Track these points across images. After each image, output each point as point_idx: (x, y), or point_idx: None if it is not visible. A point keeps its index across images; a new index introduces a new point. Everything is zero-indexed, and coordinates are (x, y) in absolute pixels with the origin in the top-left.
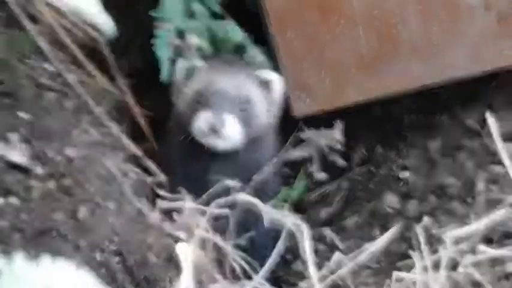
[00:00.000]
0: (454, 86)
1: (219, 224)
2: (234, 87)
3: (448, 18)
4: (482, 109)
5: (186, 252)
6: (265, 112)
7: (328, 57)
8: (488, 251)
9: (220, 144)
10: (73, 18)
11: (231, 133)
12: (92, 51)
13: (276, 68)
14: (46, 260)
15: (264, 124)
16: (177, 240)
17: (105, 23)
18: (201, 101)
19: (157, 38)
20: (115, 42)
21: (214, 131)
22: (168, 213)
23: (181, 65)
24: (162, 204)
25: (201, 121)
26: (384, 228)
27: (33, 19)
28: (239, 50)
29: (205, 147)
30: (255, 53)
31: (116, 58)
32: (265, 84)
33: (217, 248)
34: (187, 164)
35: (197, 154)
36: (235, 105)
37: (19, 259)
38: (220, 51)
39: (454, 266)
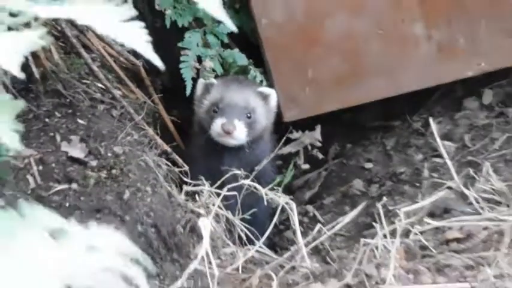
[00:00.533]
0: (405, 97)
1: (229, 203)
2: (241, 100)
3: (401, 46)
4: (426, 115)
5: (206, 225)
6: (265, 118)
7: (310, 76)
8: (432, 223)
9: (231, 142)
10: (117, 48)
11: (239, 134)
12: (132, 73)
13: (270, 84)
14: (93, 225)
15: (263, 127)
16: (198, 215)
17: (155, 60)
18: (216, 110)
19: (182, 62)
20: (151, 66)
21: (227, 133)
22: (191, 195)
23: (200, 82)
24: (186, 188)
25: (218, 125)
26: (353, 206)
27: (87, 48)
28: (243, 71)
29: (220, 145)
30: (256, 73)
31: (151, 78)
32: (264, 97)
33: (228, 221)
34: (206, 158)
35: (213, 151)
36: (243, 113)
37: (72, 223)
38: (228, 72)
39: (406, 234)
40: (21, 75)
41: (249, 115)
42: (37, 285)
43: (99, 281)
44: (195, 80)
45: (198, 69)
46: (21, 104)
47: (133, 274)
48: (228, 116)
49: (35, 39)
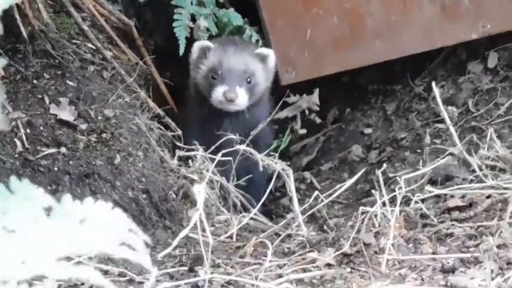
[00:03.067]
0: (407, 60)
1: (224, 169)
2: (241, 64)
3: (403, 9)
4: (428, 79)
5: (200, 191)
6: (264, 80)
7: (309, 39)
8: (433, 191)
9: (233, 108)
10: (108, 7)
11: (241, 101)
12: (124, 33)
13: (266, 45)
14: (88, 200)
15: (263, 89)
16: (191, 181)
17: None
18: (215, 77)
19: (176, 21)
20: (143, 25)
21: (230, 100)
22: (184, 160)
23: (196, 46)
24: (179, 153)
25: (219, 93)
26: (352, 172)
27: (77, 7)
28: (238, 31)
29: (220, 110)
30: (251, 32)
31: (143, 39)
32: (262, 58)
33: (223, 188)
34: (203, 123)
35: (211, 116)
36: (243, 78)
37: (67, 198)
38: (223, 32)
39: (406, 202)
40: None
41: (249, 80)
42: (35, 259)
43: (99, 249)
44: (188, 40)
45: (191, 29)
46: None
47: (132, 241)
48: (229, 82)
49: None
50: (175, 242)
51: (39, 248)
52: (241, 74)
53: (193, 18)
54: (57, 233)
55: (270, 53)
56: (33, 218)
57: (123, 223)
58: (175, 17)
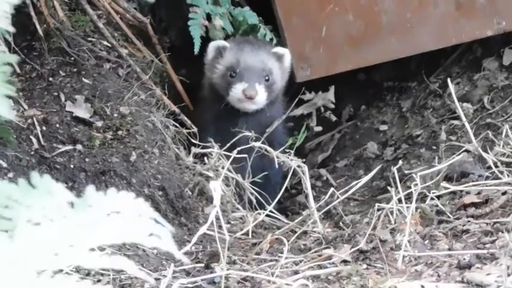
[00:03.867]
0: (422, 57)
1: (240, 166)
2: (259, 62)
3: (418, 6)
4: (444, 76)
5: (216, 188)
6: (280, 79)
7: (324, 36)
8: (449, 187)
9: (252, 107)
10: (123, 4)
11: (260, 99)
12: (139, 30)
13: (281, 43)
14: (112, 191)
15: (280, 88)
16: (207, 178)
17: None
18: (233, 75)
19: (191, 20)
20: (158, 23)
21: (249, 98)
22: (200, 157)
23: (212, 46)
24: (195, 150)
25: (238, 91)
26: (367, 169)
27: (93, 4)
28: (252, 29)
29: (235, 110)
30: (265, 31)
31: (159, 36)
32: (279, 57)
33: (238, 185)
34: (219, 121)
35: (228, 116)
36: (262, 76)
37: (90, 190)
38: (238, 31)
39: (422, 198)
40: (10, 28)
41: (267, 78)
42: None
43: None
44: (203, 39)
45: (207, 28)
46: (15, 59)
47: (158, 231)
48: (248, 80)
49: None
50: (194, 239)
51: (68, 239)
52: (259, 71)
53: (208, 17)
54: (84, 225)
55: (286, 52)
56: (57, 210)
57: (148, 213)
58: (190, 15)
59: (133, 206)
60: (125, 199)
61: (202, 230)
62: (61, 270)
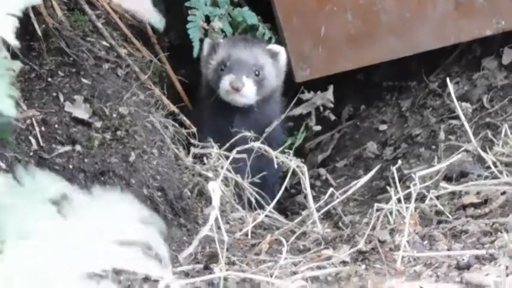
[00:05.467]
0: (422, 57)
1: (238, 166)
2: (250, 57)
3: (417, 5)
4: (443, 75)
5: (215, 188)
6: (274, 77)
7: (323, 36)
8: (448, 187)
9: (241, 100)
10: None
11: (248, 91)
12: (139, 30)
13: (280, 42)
14: (97, 189)
15: (273, 86)
16: (206, 179)
17: (156, 20)
18: (223, 68)
19: (190, 22)
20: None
21: (236, 90)
22: (199, 158)
23: (206, 42)
24: (194, 150)
25: (226, 82)
26: (367, 169)
27: (91, 4)
28: (251, 28)
29: (229, 106)
30: (264, 30)
31: (158, 36)
32: (273, 55)
33: (237, 185)
34: (215, 121)
35: (222, 113)
36: (252, 71)
37: (75, 190)
38: (237, 30)
39: (421, 198)
40: (15, 43)
41: (257, 72)
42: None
43: (112, 249)
44: (202, 41)
45: (206, 30)
46: (18, 65)
47: (150, 240)
48: (236, 72)
49: None
50: (195, 242)
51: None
52: (249, 66)
53: (207, 19)
54: (71, 228)
55: (281, 50)
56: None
57: (136, 210)
58: (189, 18)
59: (122, 203)
60: (116, 201)
61: (203, 232)
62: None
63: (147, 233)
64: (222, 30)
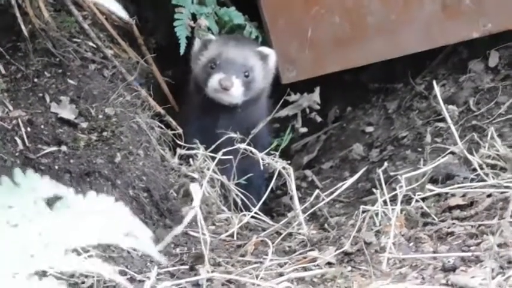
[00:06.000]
0: (408, 59)
1: (224, 168)
2: (240, 58)
3: (403, 7)
4: (429, 77)
5: (196, 190)
6: (262, 78)
7: (310, 38)
8: (434, 189)
9: (227, 99)
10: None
11: (236, 91)
12: (125, 31)
13: (265, 41)
14: (91, 194)
15: (261, 88)
16: (192, 180)
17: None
18: (213, 67)
19: (176, 20)
20: (144, 24)
21: (224, 88)
22: (185, 159)
23: (198, 39)
24: (180, 151)
25: (215, 81)
26: (353, 171)
27: (78, 5)
28: (238, 28)
29: (215, 104)
30: (251, 29)
31: (144, 37)
32: (263, 57)
33: (223, 186)
34: (201, 118)
35: (209, 111)
36: (241, 71)
37: (69, 192)
38: (223, 29)
39: (407, 200)
40: None
41: (246, 74)
42: (43, 253)
43: (104, 240)
44: (189, 39)
45: (192, 28)
46: None
47: (137, 232)
48: (226, 71)
49: None
50: (167, 238)
51: (45, 241)
52: (239, 66)
53: (194, 17)
54: (62, 226)
55: (271, 52)
56: (36, 212)
57: (127, 216)
58: (175, 16)
59: (112, 207)
60: (104, 201)
61: (178, 230)
62: (44, 272)
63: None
64: (209, 28)
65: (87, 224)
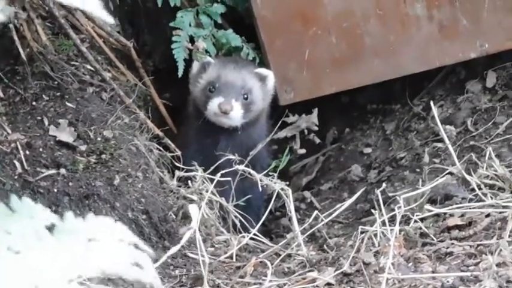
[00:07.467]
0: (406, 80)
1: (223, 189)
2: (239, 80)
3: (401, 28)
4: (427, 98)
5: (194, 212)
6: (261, 99)
7: (308, 59)
8: (433, 210)
9: (227, 122)
10: (106, 28)
11: (235, 115)
12: (123, 54)
13: (265, 64)
14: (90, 216)
15: (260, 109)
16: (191, 202)
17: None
18: (212, 90)
19: (174, 43)
20: (141, 47)
21: (224, 112)
22: (184, 181)
23: (197, 62)
24: (179, 173)
25: (214, 104)
26: (351, 192)
27: (76, 28)
28: (236, 50)
29: (215, 126)
30: (248, 50)
31: (142, 60)
32: (262, 78)
33: (222, 208)
34: (200, 141)
35: (208, 133)
36: (240, 93)
37: (69, 216)
38: (221, 51)
39: (406, 221)
40: None
41: (245, 96)
42: (46, 283)
43: (107, 268)
44: (187, 61)
45: (190, 50)
46: None
47: (140, 260)
48: (225, 95)
49: None
50: (164, 257)
51: (48, 269)
52: (238, 89)
53: (191, 40)
54: (64, 253)
55: (269, 74)
56: (37, 237)
57: (128, 239)
58: (173, 38)
59: (113, 230)
60: (104, 223)
61: (173, 250)
62: None
63: (139, 257)
64: (206, 51)
65: (90, 253)
